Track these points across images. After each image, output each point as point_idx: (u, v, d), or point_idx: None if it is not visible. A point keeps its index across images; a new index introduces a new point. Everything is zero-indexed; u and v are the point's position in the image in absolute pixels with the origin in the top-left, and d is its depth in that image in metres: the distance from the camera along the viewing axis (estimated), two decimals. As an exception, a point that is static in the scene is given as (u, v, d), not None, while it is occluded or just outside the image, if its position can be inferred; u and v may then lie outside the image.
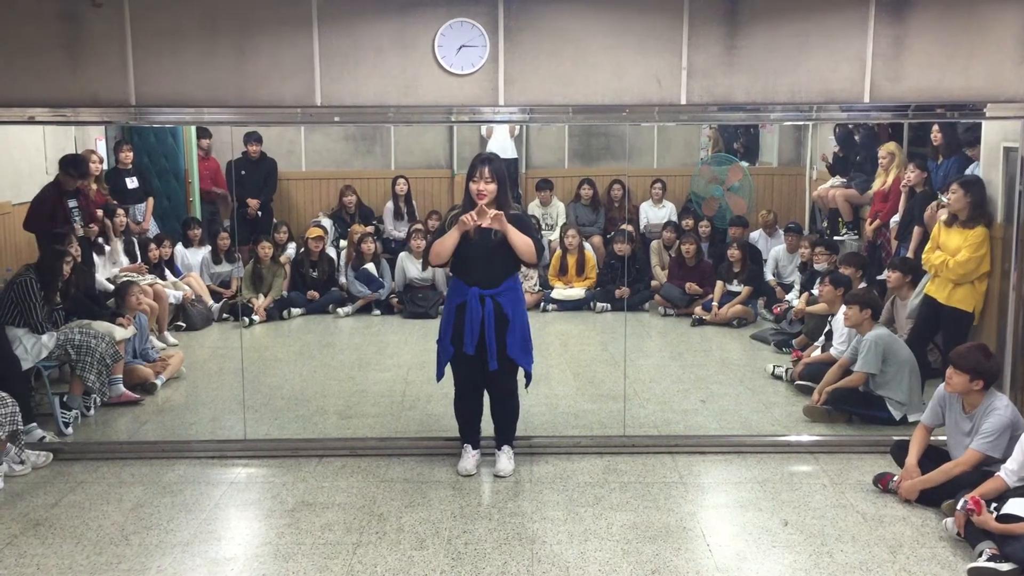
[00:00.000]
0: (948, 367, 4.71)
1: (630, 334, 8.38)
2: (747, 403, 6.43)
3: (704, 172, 10.14)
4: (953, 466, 4.64)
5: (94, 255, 7.75)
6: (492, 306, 4.95)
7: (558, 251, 9.74)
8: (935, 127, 7.28)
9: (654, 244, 9.95)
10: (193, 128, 9.85)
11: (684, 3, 5.12)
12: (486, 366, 5.00)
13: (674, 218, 10.15)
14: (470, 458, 5.19)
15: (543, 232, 9.99)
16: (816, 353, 6.85)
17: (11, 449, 5.14)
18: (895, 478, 4.87)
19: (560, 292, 9.51)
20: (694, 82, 5.19)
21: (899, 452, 4.98)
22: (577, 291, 9.50)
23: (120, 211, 8.51)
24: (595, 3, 5.13)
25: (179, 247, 9.32)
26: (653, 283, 9.62)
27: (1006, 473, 4.31)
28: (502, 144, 10.48)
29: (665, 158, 11.14)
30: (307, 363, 7.75)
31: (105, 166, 9.01)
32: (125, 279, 7.61)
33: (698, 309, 8.93)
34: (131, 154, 9.07)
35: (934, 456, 4.85)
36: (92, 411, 6.17)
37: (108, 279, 7.89)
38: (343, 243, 10.00)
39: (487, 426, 5.29)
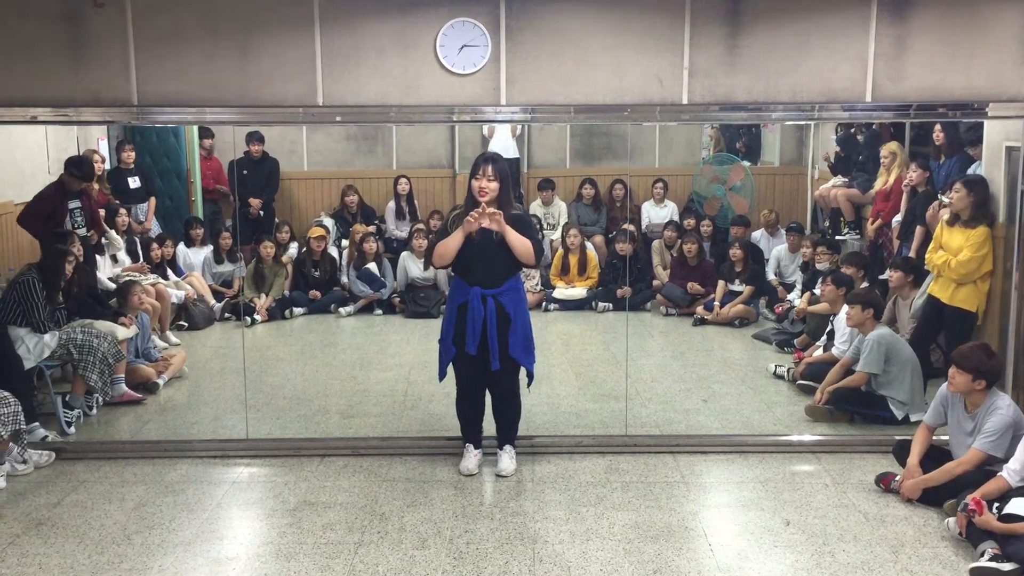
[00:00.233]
0: (951, 367, 4.71)
1: (632, 334, 8.38)
2: (749, 403, 6.43)
3: (706, 172, 10.13)
4: (955, 466, 4.64)
5: (95, 255, 7.75)
6: (494, 306, 4.95)
7: (560, 251, 9.74)
8: (937, 127, 7.28)
9: (656, 244, 9.95)
10: (195, 128, 9.86)
11: (686, 3, 5.12)
12: (488, 366, 5.00)
13: (676, 218, 10.14)
14: (472, 458, 5.19)
15: (545, 232, 10.00)
16: (818, 353, 6.85)
17: (14, 448, 5.15)
18: (897, 478, 4.87)
19: (562, 292, 9.51)
20: (696, 82, 5.18)
21: (901, 452, 4.98)
22: (579, 291, 9.50)
23: (122, 211, 8.52)
24: (596, 3, 5.13)
25: (181, 247, 9.33)
26: (655, 283, 9.61)
27: (1008, 473, 4.31)
28: (504, 144, 10.48)
29: (667, 158, 11.13)
30: (309, 363, 7.76)
31: (107, 166, 9.02)
32: (127, 279, 7.62)
33: (700, 309, 8.93)
34: (133, 154, 9.08)
35: (936, 456, 4.85)
36: (94, 410, 6.18)
37: (110, 278, 7.89)
38: (345, 243, 10.00)
39: (489, 426, 5.29)
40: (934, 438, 4.95)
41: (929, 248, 6.25)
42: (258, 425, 5.95)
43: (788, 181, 10.62)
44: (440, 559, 4.19)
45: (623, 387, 6.35)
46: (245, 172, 9.93)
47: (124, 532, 4.49)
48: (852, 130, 9.09)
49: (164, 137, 9.84)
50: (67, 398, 5.94)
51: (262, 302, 9.03)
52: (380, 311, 9.29)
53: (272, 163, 10.22)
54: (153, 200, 9.26)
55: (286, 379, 7.11)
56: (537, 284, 9.49)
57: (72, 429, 5.85)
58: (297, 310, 9.21)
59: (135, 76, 5.16)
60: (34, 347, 5.77)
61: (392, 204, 10.40)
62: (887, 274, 7.01)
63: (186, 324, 8.48)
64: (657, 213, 10.38)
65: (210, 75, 5.16)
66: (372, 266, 9.39)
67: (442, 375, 5.21)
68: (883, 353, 5.82)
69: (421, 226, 9.68)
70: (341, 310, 9.25)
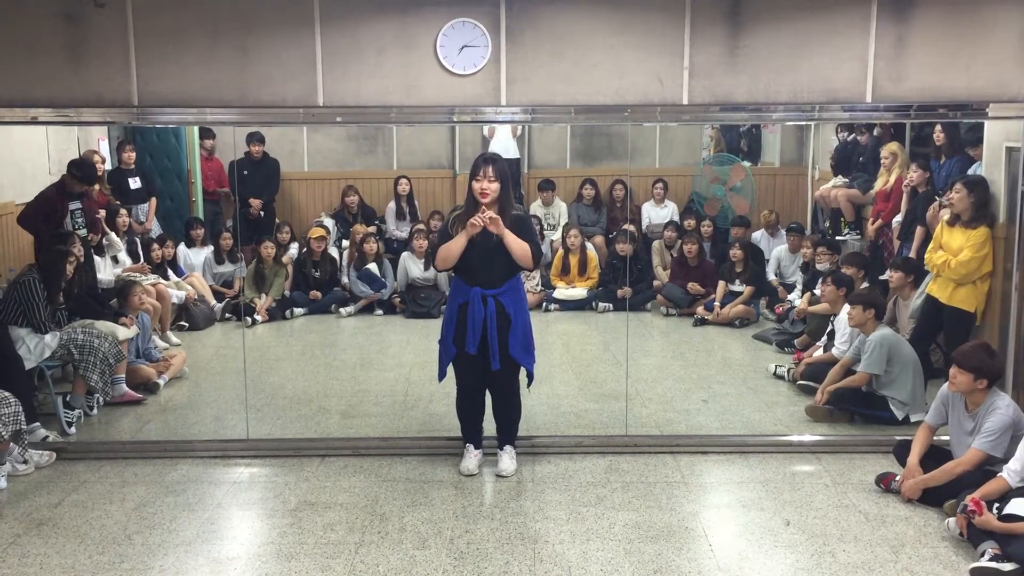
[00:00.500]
0: (952, 366, 4.71)
1: (632, 334, 8.38)
2: (749, 403, 6.43)
3: (706, 172, 10.14)
4: (955, 465, 4.64)
5: (95, 255, 7.75)
6: (494, 306, 4.95)
7: (560, 251, 9.75)
8: (937, 127, 7.28)
9: (656, 244, 9.95)
10: (196, 128, 9.86)
11: (686, 3, 5.12)
12: (488, 366, 5.00)
13: (676, 218, 10.15)
14: (472, 458, 5.19)
15: (545, 232, 10.01)
16: (818, 353, 6.85)
17: (14, 449, 5.15)
18: (897, 478, 4.87)
19: (562, 292, 9.51)
20: (696, 82, 5.19)
21: (901, 452, 4.98)
22: (579, 291, 9.50)
23: (123, 211, 8.52)
24: (597, 3, 5.13)
25: (182, 247, 9.34)
26: (655, 283, 9.62)
27: (1008, 473, 4.31)
28: (504, 144, 10.49)
29: (667, 158, 11.14)
30: (309, 363, 7.76)
31: (108, 166, 9.02)
32: (128, 279, 7.62)
33: (700, 309, 8.93)
34: (134, 154, 9.08)
35: (936, 456, 4.85)
36: (95, 411, 6.18)
37: (111, 278, 7.90)
38: (345, 243, 10.01)
39: (489, 426, 5.29)
40: (935, 438, 4.95)
41: (929, 248, 6.26)
42: (259, 425, 5.95)
43: (788, 181, 10.63)
44: (440, 559, 4.19)
45: (623, 387, 6.35)
46: (245, 173, 9.93)
47: (125, 532, 4.49)
48: (851, 136, 9.11)
49: (165, 138, 9.85)
50: (68, 398, 5.95)
51: (262, 302, 9.04)
52: (380, 311, 9.29)
53: (272, 163, 10.23)
54: (154, 200, 9.26)
55: (287, 379, 7.12)
56: (537, 284, 9.50)
57: (73, 429, 5.85)
58: (297, 310, 9.21)
59: (135, 76, 5.16)
60: (35, 347, 5.78)
61: (392, 204, 10.41)
62: (887, 274, 7.01)
63: (187, 324, 8.49)
64: (657, 213, 10.38)
65: (210, 75, 5.17)
66: (372, 266, 9.39)
67: (442, 375, 5.21)
68: (885, 354, 5.82)
69: (421, 226, 9.68)
70: (341, 310, 9.25)
